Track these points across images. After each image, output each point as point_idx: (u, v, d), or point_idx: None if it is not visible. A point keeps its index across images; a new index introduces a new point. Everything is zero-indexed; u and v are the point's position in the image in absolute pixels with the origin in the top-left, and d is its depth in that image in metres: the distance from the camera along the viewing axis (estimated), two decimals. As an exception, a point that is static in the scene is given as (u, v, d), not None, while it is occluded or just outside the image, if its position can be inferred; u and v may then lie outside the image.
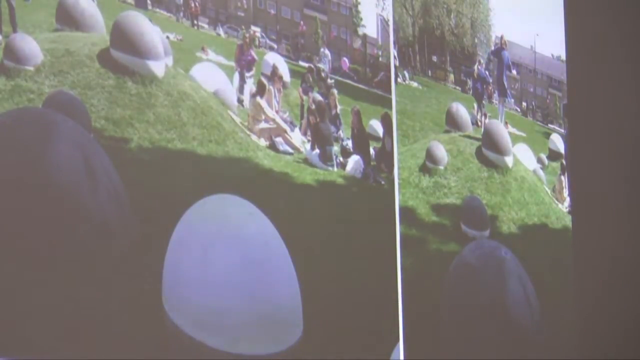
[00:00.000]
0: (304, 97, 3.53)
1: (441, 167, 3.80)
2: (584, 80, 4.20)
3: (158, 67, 3.12)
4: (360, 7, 3.67)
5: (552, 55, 4.31)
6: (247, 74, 3.38)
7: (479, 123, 4.05)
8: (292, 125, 3.48)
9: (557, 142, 4.31)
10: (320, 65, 3.55)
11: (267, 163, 3.28)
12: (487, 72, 4.10)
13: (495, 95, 4.14)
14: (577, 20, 4.16)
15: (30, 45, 2.88)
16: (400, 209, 3.54)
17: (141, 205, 2.87)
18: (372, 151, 3.57)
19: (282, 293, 3.09)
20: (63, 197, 2.73)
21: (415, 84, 3.87)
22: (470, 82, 4.08)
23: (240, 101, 3.36)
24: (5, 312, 2.56)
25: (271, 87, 3.44)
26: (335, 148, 3.50)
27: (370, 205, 3.49)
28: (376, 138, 3.60)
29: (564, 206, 4.21)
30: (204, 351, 2.89)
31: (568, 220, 4.16)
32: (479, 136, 3.98)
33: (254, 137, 3.33)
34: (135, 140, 2.97)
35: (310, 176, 3.40)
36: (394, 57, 3.70)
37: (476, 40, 4.10)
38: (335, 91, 3.55)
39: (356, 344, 3.24)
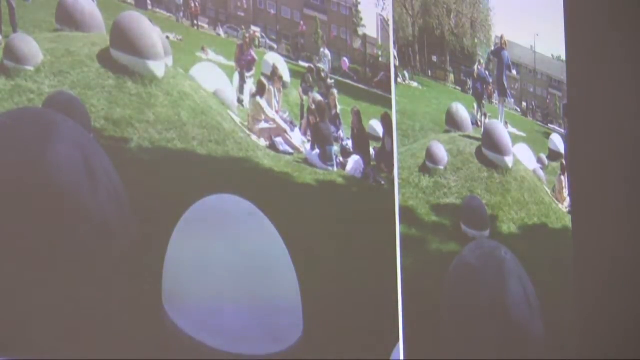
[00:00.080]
0: (304, 97, 3.53)
1: (441, 167, 3.80)
2: (584, 80, 4.20)
3: (158, 67, 3.12)
4: (360, 7, 3.67)
5: (552, 55, 4.31)
6: (247, 74, 3.38)
7: (479, 123, 4.05)
8: (292, 125, 3.48)
9: (557, 142, 4.31)
10: (320, 65, 3.55)
11: (267, 163, 3.28)
12: (487, 72, 4.10)
13: (495, 95, 4.14)
14: (577, 20, 4.16)
15: (30, 45, 2.88)
16: (400, 209, 3.54)
17: (141, 205, 2.87)
18: (372, 151, 3.57)
19: (282, 293, 3.09)
20: (63, 197, 2.73)
21: (415, 84, 3.87)
22: (470, 82, 4.08)
23: (240, 101, 3.36)
24: (5, 312, 2.56)
25: (271, 87, 3.44)
26: (335, 148, 3.50)
27: (370, 205, 3.49)
28: (376, 138, 3.60)
29: (564, 206, 4.21)
30: (204, 351, 2.89)
31: (568, 220, 4.16)
32: (479, 136, 3.98)
33: (254, 137, 3.33)
34: (135, 140, 2.97)
35: (310, 176, 3.40)
36: (394, 57, 3.70)
37: (476, 40, 4.10)
38: (335, 91, 3.55)
39: (356, 344, 3.23)
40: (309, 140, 3.47)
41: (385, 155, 3.59)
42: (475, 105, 4.06)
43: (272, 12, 3.46)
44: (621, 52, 4.28)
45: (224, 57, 3.34)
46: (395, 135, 3.59)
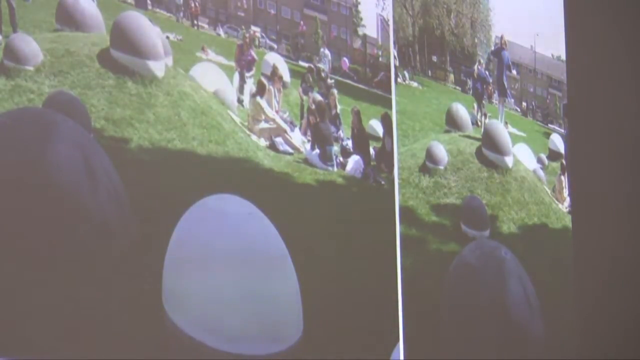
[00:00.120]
0: (304, 97, 3.53)
1: (441, 167, 3.80)
2: (584, 80, 4.20)
3: (158, 67, 3.12)
4: (360, 7, 3.67)
5: (552, 55, 4.31)
6: (247, 74, 3.38)
7: (479, 123, 4.05)
8: (292, 125, 3.48)
9: (557, 142, 4.31)
10: (320, 65, 3.55)
11: (267, 163, 3.28)
12: (487, 72, 4.10)
13: (495, 95, 4.14)
14: (577, 20, 4.16)
15: (30, 45, 2.88)
16: (400, 209, 3.54)
17: (141, 205, 2.87)
18: (372, 151, 3.57)
19: (282, 293, 3.09)
20: (63, 197, 2.73)
21: (415, 84, 3.87)
22: (470, 82, 4.08)
23: (240, 101, 3.36)
24: (5, 312, 2.56)
25: (271, 87, 3.44)
26: (335, 148, 3.50)
27: (370, 205, 3.49)
28: (376, 138, 3.60)
29: (564, 206, 4.21)
30: (204, 351, 2.89)
31: (568, 220, 4.16)
32: (479, 136, 3.99)
33: (254, 137, 3.33)
34: (135, 140, 2.97)
35: (310, 176, 3.40)
36: (394, 57, 3.70)
37: (476, 40, 4.10)
38: (335, 91, 3.55)
39: (356, 344, 3.23)
40: (309, 140, 3.47)
41: (385, 155, 3.59)
42: (475, 105, 4.06)
43: (272, 12, 3.46)
44: (621, 52, 4.28)
45: (224, 57, 3.34)
46: (395, 135, 3.59)
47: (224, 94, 3.31)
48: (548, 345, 3.90)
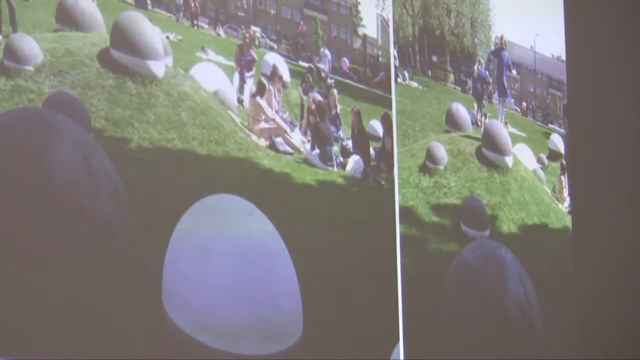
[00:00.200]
0: (304, 97, 3.53)
1: (441, 167, 3.80)
2: (584, 80, 4.20)
3: (158, 67, 3.12)
4: (360, 7, 3.67)
5: (552, 55, 4.31)
6: (247, 74, 3.38)
7: (479, 123, 4.05)
8: (292, 125, 3.48)
9: (557, 142, 4.30)
10: (320, 65, 3.55)
11: (267, 163, 3.28)
12: (487, 72, 4.10)
13: (495, 95, 4.14)
14: (577, 20, 4.16)
15: (30, 45, 2.88)
16: (400, 209, 3.54)
17: (141, 205, 2.87)
18: (372, 151, 3.57)
19: (282, 293, 3.09)
20: (63, 197, 2.73)
21: (415, 84, 3.87)
22: (470, 82, 4.07)
23: (240, 101, 3.36)
24: (5, 312, 2.55)
25: (271, 87, 3.44)
26: (335, 148, 3.50)
27: (370, 205, 3.49)
28: (376, 138, 3.60)
29: (564, 206, 4.21)
30: (204, 351, 2.89)
31: (568, 220, 4.16)
32: (479, 136, 3.98)
33: (254, 137, 3.33)
34: (135, 140, 2.97)
35: (310, 176, 3.40)
36: (394, 57, 3.70)
37: (476, 40, 4.10)
38: (335, 91, 3.55)
39: (356, 344, 3.23)
40: (309, 140, 3.47)
41: (385, 155, 3.59)
42: (475, 105, 4.06)
43: (272, 12, 3.46)
44: (621, 52, 4.28)
45: (224, 57, 3.34)
46: (395, 135, 3.59)
47: (224, 94, 3.31)
48: (548, 345, 3.90)
